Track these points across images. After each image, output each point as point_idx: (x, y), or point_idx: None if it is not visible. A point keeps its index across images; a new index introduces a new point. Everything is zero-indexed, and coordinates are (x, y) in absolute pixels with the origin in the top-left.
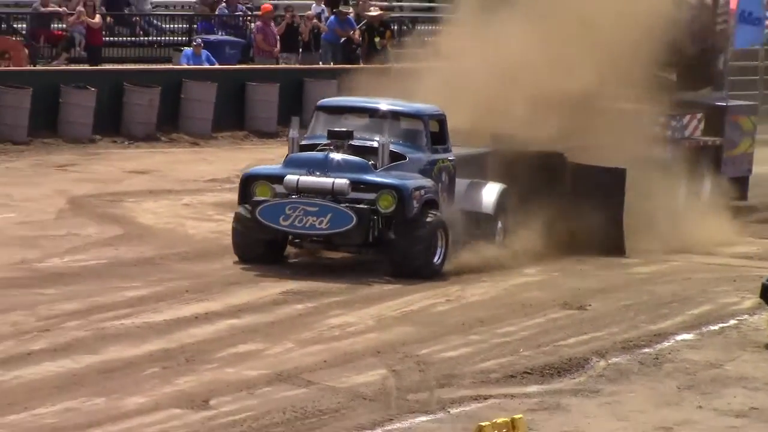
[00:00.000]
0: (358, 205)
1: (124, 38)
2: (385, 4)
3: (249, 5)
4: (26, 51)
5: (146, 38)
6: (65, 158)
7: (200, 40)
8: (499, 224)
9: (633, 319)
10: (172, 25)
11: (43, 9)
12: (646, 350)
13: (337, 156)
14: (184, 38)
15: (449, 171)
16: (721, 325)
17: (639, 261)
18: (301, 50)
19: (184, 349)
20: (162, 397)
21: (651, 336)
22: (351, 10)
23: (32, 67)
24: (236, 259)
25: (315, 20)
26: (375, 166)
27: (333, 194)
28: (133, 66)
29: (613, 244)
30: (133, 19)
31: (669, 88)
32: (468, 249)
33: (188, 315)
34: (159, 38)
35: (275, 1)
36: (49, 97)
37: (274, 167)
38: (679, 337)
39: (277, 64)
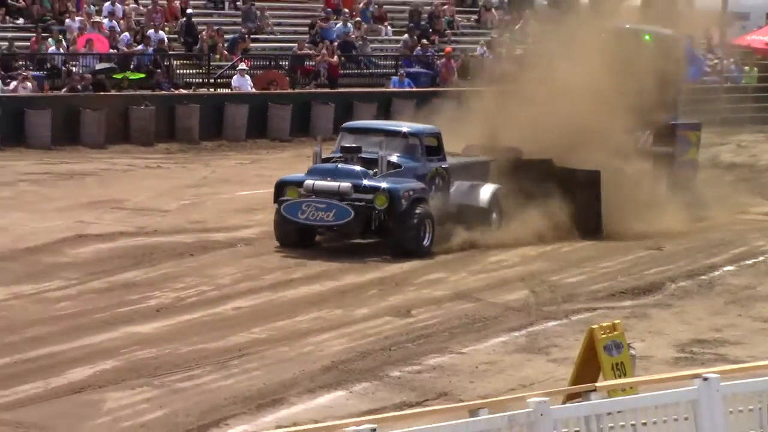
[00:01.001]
0: (356, 203)
1: (352, 71)
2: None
3: (436, 48)
4: (287, 80)
5: (367, 70)
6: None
7: (403, 71)
8: (494, 215)
9: (693, 256)
10: (384, 62)
11: (299, 52)
12: (703, 277)
13: (344, 166)
14: (392, 70)
15: (443, 176)
16: (753, 260)
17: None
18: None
19: (394, 278)
20: (379, 309)
21: (706, 267)
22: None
23: (292, 91)
24: None
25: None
26: (376, 173)
27: (339, 195)
28: (359, 89)
29: (593, 228)
30: (359, 58)
31: (640, 113)
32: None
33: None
34: (376, 70)
35: (454, 45)
36: (305, 111)
37: (300, 175)
38: (725, 268)
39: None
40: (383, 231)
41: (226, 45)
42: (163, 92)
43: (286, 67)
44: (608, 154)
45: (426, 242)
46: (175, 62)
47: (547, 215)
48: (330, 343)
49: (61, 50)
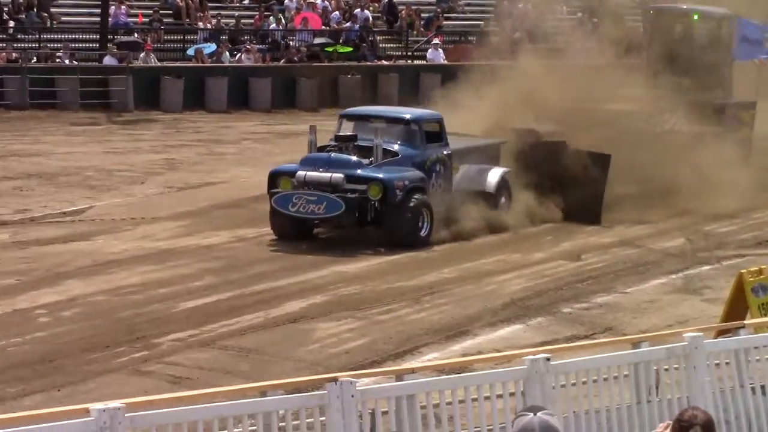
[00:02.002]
0: (347, 195)
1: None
2: None
3: None
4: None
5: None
6: None
7: None
8: (503, 199)
9: None
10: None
11: (485, 29)
12: None
13: (337, 155)
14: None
15: (445, 162)
16: None
17: None
18: None
19: (566, 227)
20: (553, 253)
21: None
22: None
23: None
24: None
25: None
26: (372, 163)
27: (331, 186)
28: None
29: (592, 214)
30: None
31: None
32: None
33: None
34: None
35: None
36: None
37: (293, 165)
38: None
39: None
40: (379, 222)
41: (422, 23)
42: (368, 63)
43: (474, 42)
44: (626, 135)
45: (423, 232)
46: (378, 37)
47: (550, 199)
48: (510, 282)
49: (281, 27)
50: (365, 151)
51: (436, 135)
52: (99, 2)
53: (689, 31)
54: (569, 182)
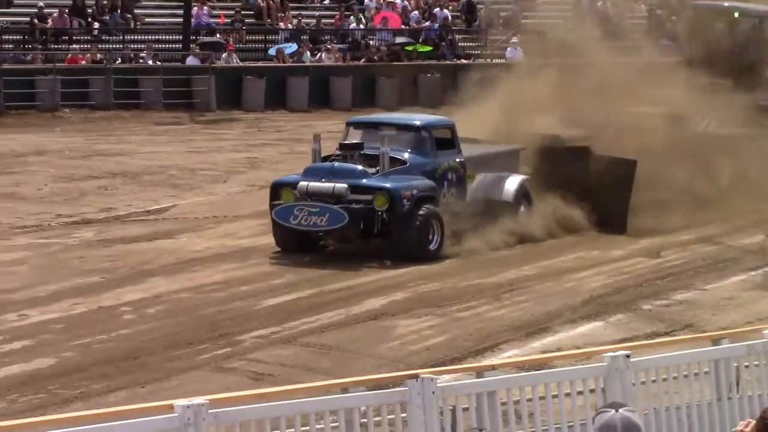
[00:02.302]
0: (351, 206)
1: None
2: None
3: None
4: None
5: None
6: None
7: None
8: (522, 208)
9: None
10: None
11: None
12: None
13: (341, 165)
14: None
15: (457, 170)
16: None
17: None
18: None
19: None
20: (632, 251)
21: None
22: None
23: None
24: None
25: None
26: (378, 171)
27: (334, 197)
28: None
29: (617, 222)
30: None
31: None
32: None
33: None
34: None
35: None
36: None
37: (296, 176)
38: None
39: None
40: (387, 234)
41: (501, 22)
42: (447, 62)
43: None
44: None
45: (433, 245)
46: (457, 36)
47: (574, 207)
48: (589, 279)
49: (361, 26)
50: (372, 160)
51: (448, 142)
52: (182, 3)
53: (730, 29)
54: (593, 190)
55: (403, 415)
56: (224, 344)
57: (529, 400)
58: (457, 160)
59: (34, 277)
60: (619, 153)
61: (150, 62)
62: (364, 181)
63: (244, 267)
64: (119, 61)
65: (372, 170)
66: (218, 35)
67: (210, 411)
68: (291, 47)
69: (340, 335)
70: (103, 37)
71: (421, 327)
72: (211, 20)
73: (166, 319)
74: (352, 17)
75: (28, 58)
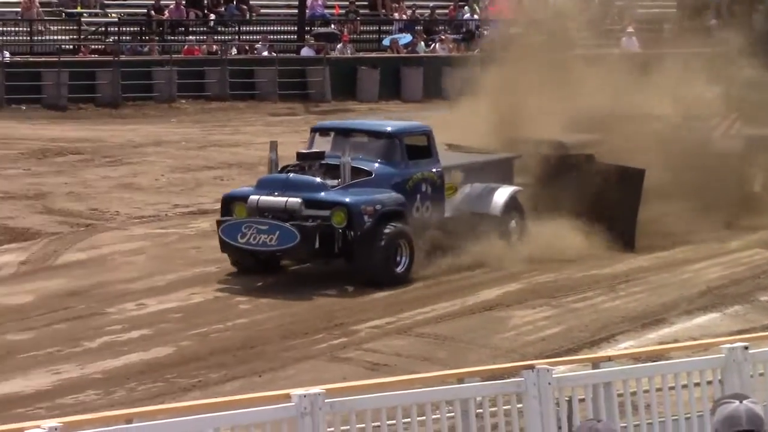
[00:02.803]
0: (304, 223)
1: None
2: None
3: None
4: None
5: None
6: None
7: None
8: (513, 224)
9: None
10: None
11: None
12: None
13: (296, 177)
14: None
15: (433, 182)
16: None
17: None
18: None
19: None
20: (750, 242)
21: None
22: None
23: None
24: None
25: None
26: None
27: (287, 212)
28: None
29: (624, 239)
30: None
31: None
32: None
33: None
34: None
35: None
36: None
37: (248, 188)
38: None
39: None
40: (349, 254)
41: (615, 11)
42: None
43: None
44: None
45: (400, 268)
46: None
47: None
48: (706, 270)
49: (475, 16)
50: (336, 171)
51: (424, 150)
52: None
53: None
54: (598, 202)
55: (519, 405)
56: (339, 334)
57: (646, 391)
58: (434, 170)
59: (152, 267)
60: (628, 162)
61: (265, 53)
62: (322, 194)
63: None
64: (235, 52)
65: (333, 182)
66: (332, 26)
67: (326, 400)
68: (405, 38)
69: (455, 325)
70: (219, 29)
71: (536, 318)
72: (326, 11)
73: (282, 308)
74: (466, 7)
75: (145, 49)
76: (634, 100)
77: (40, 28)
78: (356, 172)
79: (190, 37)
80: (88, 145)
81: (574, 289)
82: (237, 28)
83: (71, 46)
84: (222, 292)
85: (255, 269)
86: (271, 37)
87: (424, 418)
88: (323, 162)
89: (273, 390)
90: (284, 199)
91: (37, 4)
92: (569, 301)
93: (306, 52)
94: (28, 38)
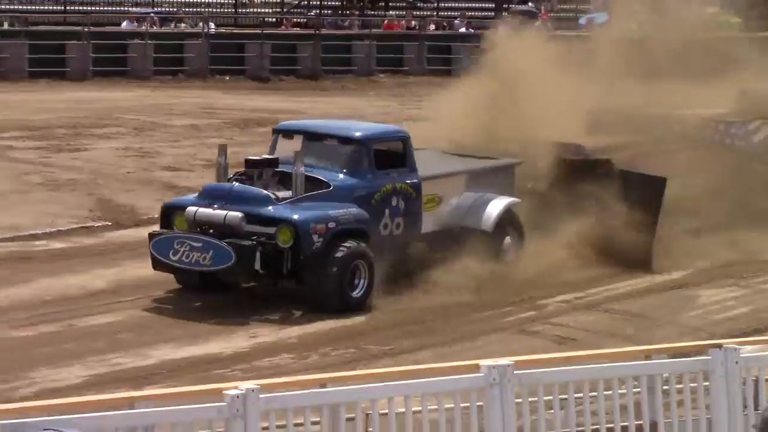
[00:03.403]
0: (242, 242)
1: None
2: None
3: None
4: None
5: None
6: None
7: None
8: (508, 240)
9: None
10: None
11: None
12: None
13: (240, 187)
14: None
15: (407, 194)
16: None
17: None
18: None
19: None
20: None
21: None
22: None
23: None
24: None
25: None
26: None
27: (226, 228)
28: None
29: (640, 256)
30: None
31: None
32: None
33: None
34: None
35: None
36: None
37: (189, 198)
38: None
39: None
40: (298, 276)
41: None
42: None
43: None
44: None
45: (357, 292)
46: None
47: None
48: None
49: None
50: (288, 180)
51: (398, 158)
52: None
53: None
54: (614, 215)
55: (705, 383)
56: (528, 308)
57: None
58: (408, 181)
59: None
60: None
61: (462, 29)
62: (268, 209)
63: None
64: (432, 27)
65: (286, 194)
66: (531, 3)
67: (515, 372)
68: (601, 17)
69: (643, 302)
70: (419, 4)
71: (725, 297)
72: None
73: (471, 281)
74: None
75: (346, 24)
76: (671, 98)
77: (244, 1)
78: (313, 183)
79: (390, 12)
80: (289, 116)
81: (763, 270)
82: (436, 4)
83: (274, 19)
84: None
85: (203, 289)
86: (469, 13)
87: (610, 392)
88: (277, 170)
89: (461, 360)
90: (224, 212)
91: None
92: (758, 282)
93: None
94: (233, 11)
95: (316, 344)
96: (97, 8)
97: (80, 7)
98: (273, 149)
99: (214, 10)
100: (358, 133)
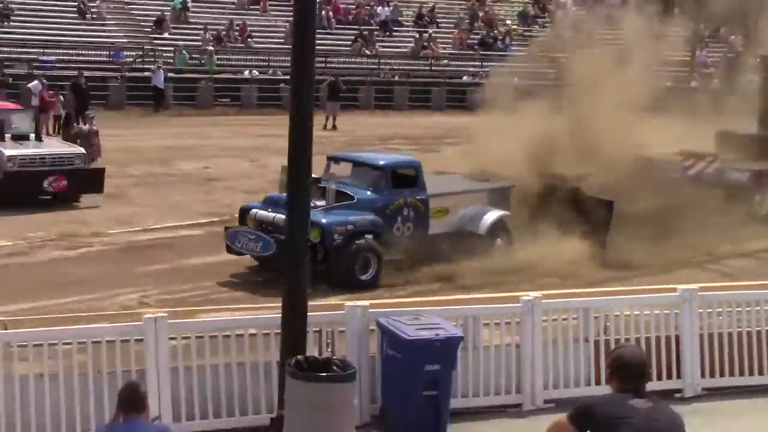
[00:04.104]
0: (281, 237)
1: None
2: None
3: None
4: None
5: None
6: None
7: None
8: (498, 241)
9: None
10: None
11: None
12: None
13: (281, 196)
14: None
15: (416, 207)
16: None
17: None
18: None
19: None
20: None
21: None
22: None
23: None
24: None
25: None
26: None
27: (273, 226)
28: None
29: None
30: None
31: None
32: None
33: None
34: None
35: None
36: None
37: (257, 203)
38: None
39: None
40: (326, 262)
41: None
42: None
43: None
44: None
45: (366, 275)
46: None
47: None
48: None
49: None
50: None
51: (411, 180)
52: None
53: None
54: (576, 228)
55: None
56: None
57: None
58: (418, 197)
59: None
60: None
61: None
62: None
63: None
64: None
65: (322, 203)
66: None
67: (699, 293)
68: None
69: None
70: None
71: None
72: None
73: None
74: None
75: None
76: (638, 137)
77: None
78: (343, 195)
79: None
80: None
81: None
82: None
83: None
84: None
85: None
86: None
87: None
88: (320, 185)
89: None
90: (273, 214)
91: None
92: None
93: None
94: None
95: None
96: None
97: None
98: (326, 172)
99: None
100: (381, 162)
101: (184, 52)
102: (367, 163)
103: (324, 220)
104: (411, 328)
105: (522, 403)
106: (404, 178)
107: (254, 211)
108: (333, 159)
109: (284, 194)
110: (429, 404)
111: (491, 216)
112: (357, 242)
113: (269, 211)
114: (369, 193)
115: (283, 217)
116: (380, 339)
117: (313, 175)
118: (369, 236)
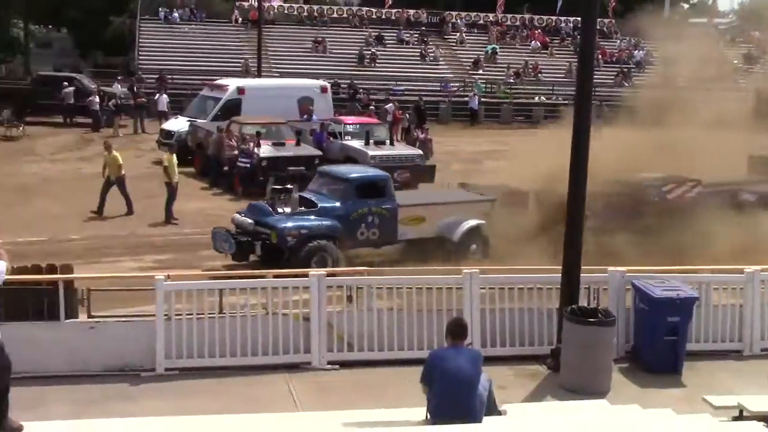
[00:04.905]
0: (240, 238)
1: None
2: None
3: None
4: None
5: None
6: None
7: None
8: (474, 247)
9: None
10: None
11: None
12: None
13: (257, 204)
14: None
15: (382, 215)
16: None
17: None
18: None
19: None
20: None
21: None
22: None
23: None
24: None
25: None
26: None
27: (243, 228)
28: None
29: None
30: None
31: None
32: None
33: None
34: None
35: None
36: None
37: (244, 209)
38: None
39: None
40: (282, 258)
41: None
42: None
43: None
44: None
45: None
46: None
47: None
48: None
49: None
50: (306, 202)
51: (379, 191)
52: None
53: None
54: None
55: None
56: None
57: None
58: (384, 206)
59: None
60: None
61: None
62: (267, 219)
63: None
64: None
65: (285, 210)
66: None
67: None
68: None
69: None
70: None
71: None
72: None
73: None
74: None
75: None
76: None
77: None
78: (308, 203)
79: None
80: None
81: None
82: None
83: None
84: None
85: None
86: None
87: None
88: (296, 194)
89: None
90: (245, 219)
91: None
92: None
93: None
94: None
95: None
96: None
97: None
98: (312, 183)
99: None
100: (350, 175)
101: (478, 83)
102: (338, 176)
103: (279, 225)
104: (658, 288)
105: (742, 350)
106: (373, 189)
107: (233, 216)
108: (319, 172)
109: (260, 202)
110: (669, 346)
111: (467, 224)
112: (310, 244)
113: (243, 216)
114: (332, 201)
115: (251, 221)
116: (634, 296)
117: (285, 186)
118: (323, 240)
